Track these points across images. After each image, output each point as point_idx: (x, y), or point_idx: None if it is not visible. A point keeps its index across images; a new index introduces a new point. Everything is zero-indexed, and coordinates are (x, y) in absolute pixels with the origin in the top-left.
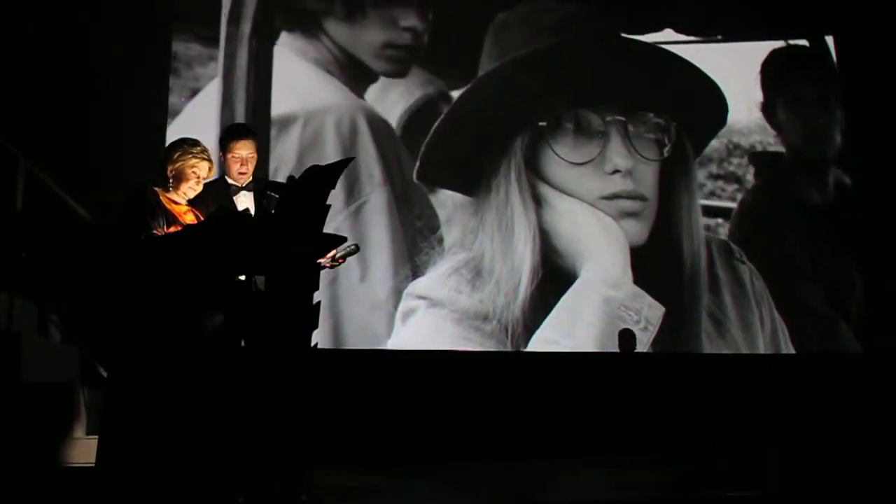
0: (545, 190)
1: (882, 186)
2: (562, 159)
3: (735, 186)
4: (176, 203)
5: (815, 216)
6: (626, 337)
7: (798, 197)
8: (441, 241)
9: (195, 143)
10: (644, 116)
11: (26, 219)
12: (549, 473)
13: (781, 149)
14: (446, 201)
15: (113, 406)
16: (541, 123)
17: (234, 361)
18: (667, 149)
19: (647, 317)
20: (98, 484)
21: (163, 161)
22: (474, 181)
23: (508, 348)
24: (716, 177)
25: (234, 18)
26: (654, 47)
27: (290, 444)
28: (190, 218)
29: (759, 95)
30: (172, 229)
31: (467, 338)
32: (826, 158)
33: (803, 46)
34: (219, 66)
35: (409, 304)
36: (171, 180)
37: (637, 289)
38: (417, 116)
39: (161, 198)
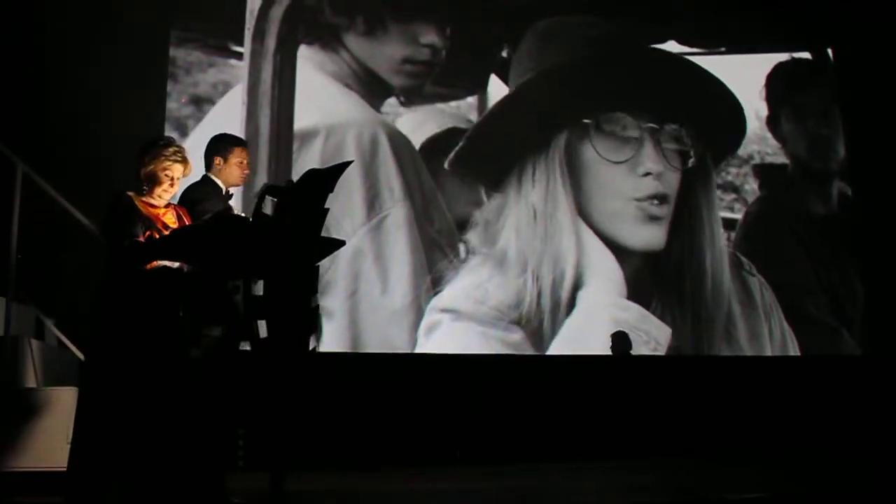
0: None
1: (885, 196)
2: (601, 156)
3: (733, 196)
4: (153, 206)
5: (819, 227)
6: (621, 338)
7: (802, 208)
8: (464, 251)
9: (167, 143)
10: (672, 127)
11: (24, 224)
12: (550, 477)
13: (781, 159)
14: (469, 211)
15: (87, 408)
16: (584, 121)
17: (226, 364)
18: (691, 161)
19: (656, 338)
20: (70, 486)
21: (136, 164)
22: (507, 176)
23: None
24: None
25: (259, 34)
26: (688, 62)
27: (283, 446)
28: (170, 218)
29: (760, 106)
30: (149, 234)
31: (493, 350)
32: (830, 170)
33: (808, 59)
34: (244, 81)
35: (432, 317)
36: (144, 184)
37: (643, 310)
38: (433, 132)
39: (136, 202)
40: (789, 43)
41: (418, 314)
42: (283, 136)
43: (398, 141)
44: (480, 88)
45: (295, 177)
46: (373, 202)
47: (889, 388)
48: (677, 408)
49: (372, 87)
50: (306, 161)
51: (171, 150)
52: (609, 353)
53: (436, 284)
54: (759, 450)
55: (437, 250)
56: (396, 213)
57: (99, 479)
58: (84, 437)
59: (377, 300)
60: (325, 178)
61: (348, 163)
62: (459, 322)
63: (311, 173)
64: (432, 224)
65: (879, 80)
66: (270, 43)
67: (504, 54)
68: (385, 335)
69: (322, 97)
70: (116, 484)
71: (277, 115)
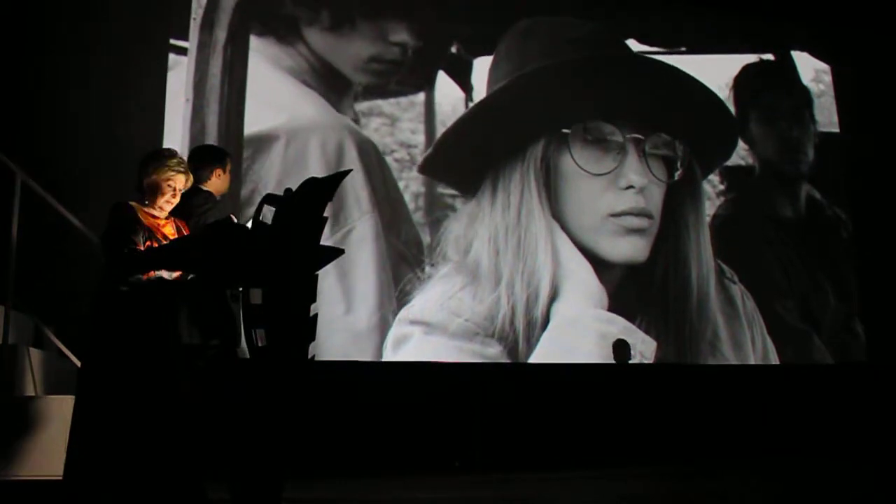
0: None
1: (856, 202)
2: (581, 168)
3: None
4: (154, 217)
5: (788, 229)
6: (621, 347)
7: (771, 210)
8: (432, 264)
9: (171, 154)
10: (658, 136)
11: (24, 232)
12: (547, 486)
13: (740, 160)
14: (439, 219)
15: (83, 416)
16: (564, 130)
17: (223, 373)
18: (678, 173)
19: (641, 351)
20: (65, 494)
21: (138, 174)
22: (480, 185)
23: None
24: None
25: (208, 24)
26: (674, 69)
27: (278, 452)
28: (169, 230)
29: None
30: (148, 244)
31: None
32: (799, 172)
33: (778, 61)
34: (188, 75)
35: (402, 329)
36: (147, 194)
37: (628, 323)
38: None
39: (139, 213)
40: (752, 44)
41: (384, 335)
42: (234, 135)
43: (365, 147)
44: (429, 87)
45: (250, 184)
46: (337, 215)
47: (862, 393)
48: (672, 415)
49: (332, 85)
50: (266, 169)
51: (174, 160)
52: (600, 361)
53: (405, 295)
54: (755, 455)
55: (404, 264)
56: (363, 226)
57: (95, 488)
58: (79, 445)
59: (340, 320)
60: (324, 187)
61: (347, 171)
62: (432, 335)
63: (310, 182)
64: (399, 236)
65: (861, 84)
66: (220, 34)
67: (454, 50)
68: (348, 355)
69: (280, 96)
70: (112, 492)
71: (227, 114)
